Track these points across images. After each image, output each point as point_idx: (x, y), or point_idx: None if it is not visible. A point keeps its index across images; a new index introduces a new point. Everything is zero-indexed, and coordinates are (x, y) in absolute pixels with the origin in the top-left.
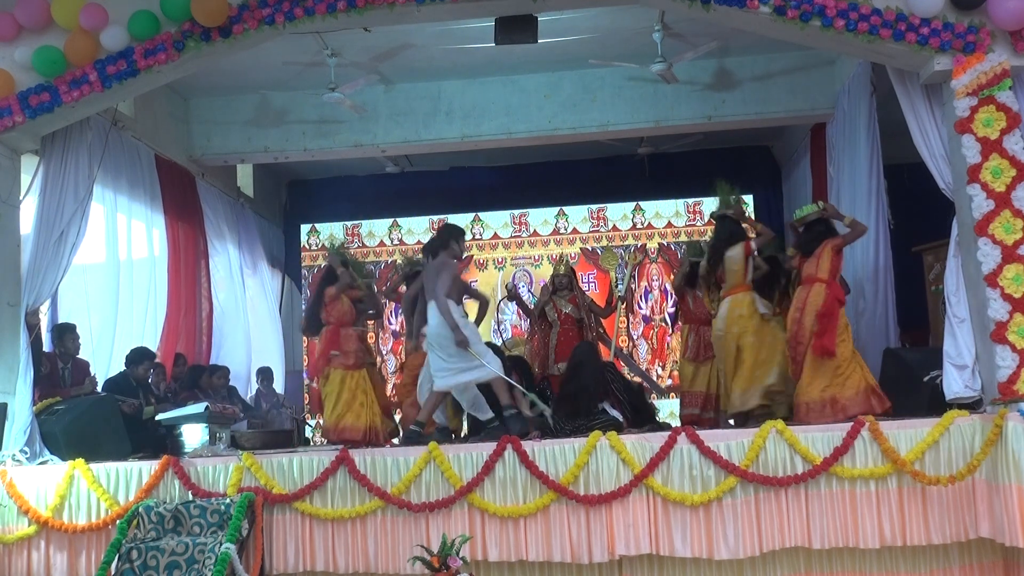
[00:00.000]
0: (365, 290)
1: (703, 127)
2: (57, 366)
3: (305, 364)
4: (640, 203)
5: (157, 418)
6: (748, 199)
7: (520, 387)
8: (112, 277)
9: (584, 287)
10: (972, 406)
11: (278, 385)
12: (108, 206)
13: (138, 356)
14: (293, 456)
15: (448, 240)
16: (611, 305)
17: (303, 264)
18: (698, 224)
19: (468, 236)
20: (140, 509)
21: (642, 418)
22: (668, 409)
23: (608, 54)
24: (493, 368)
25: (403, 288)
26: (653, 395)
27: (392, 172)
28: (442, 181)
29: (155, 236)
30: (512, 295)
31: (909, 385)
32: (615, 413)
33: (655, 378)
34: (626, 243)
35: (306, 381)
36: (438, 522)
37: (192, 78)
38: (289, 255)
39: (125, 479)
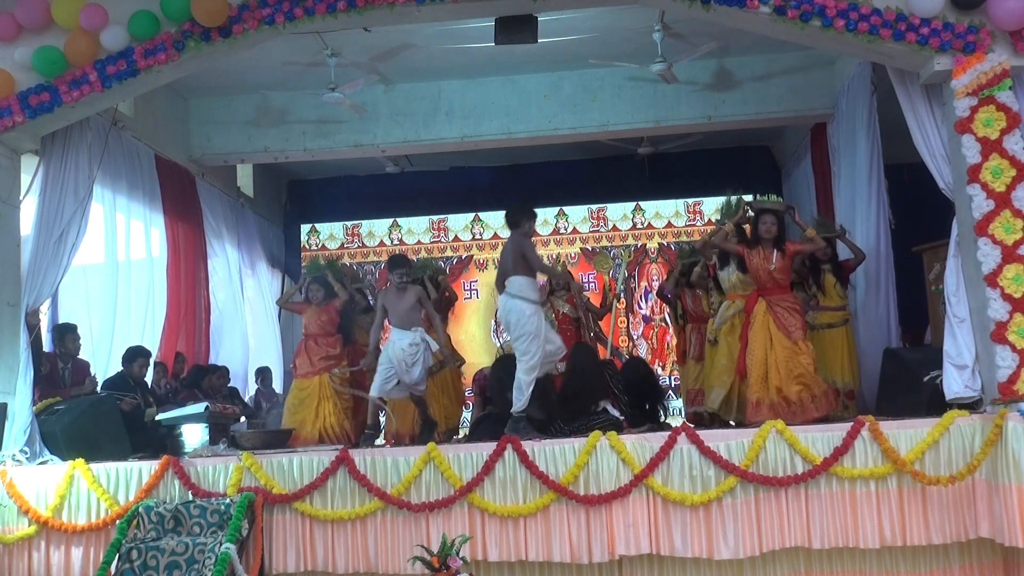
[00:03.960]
0: (345, 295)
1: (703, 127)
2: (57, 366)
3: None
4: (640, 203)
5: (157, 418)
6: (748, 199)
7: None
8: (111, 277)
9: (583, 287)
10: (972, 406)
11: (277, 385)
12: (108, 206)
13: (132, 354)
14: (293, 456)
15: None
16: (606, 305)
17: (303, 264)
18: (698, 224)
19: (468, 236)
20: (140, 509)
21: (644, 416)
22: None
23: (608, 54)
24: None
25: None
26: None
27: (392, 172)
28: (442, 181)
29: (155, 236)
30: None
31: (909, 385)
32: (615, 412)
33: None
34: (626, 243)
35: None
36: (438, 522)
37: (192, 78)
38: (289, 255)
39: (125, 479)
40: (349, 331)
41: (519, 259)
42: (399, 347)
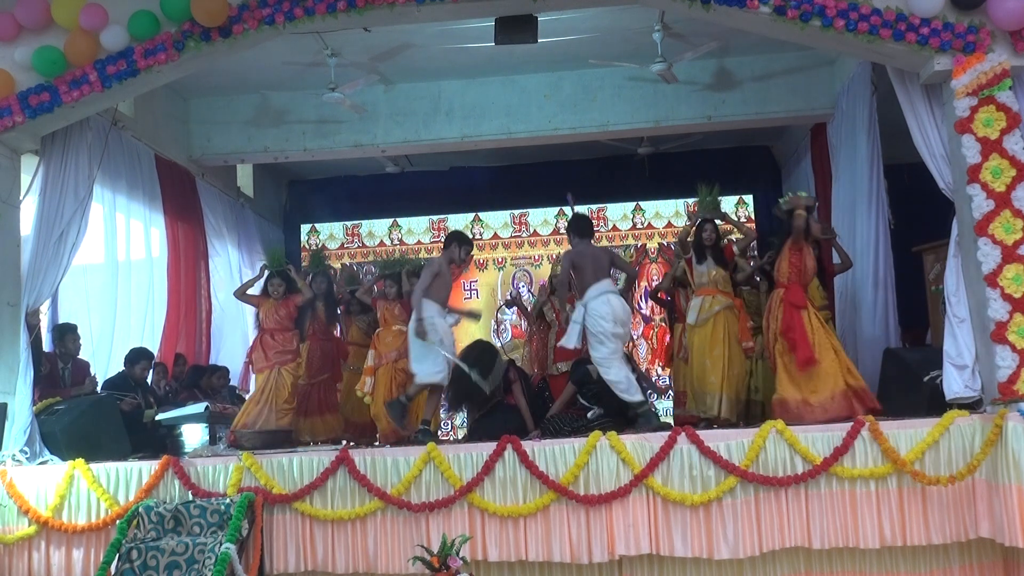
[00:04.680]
0: (309, 293)
1: (703, 127)
2: (57, 366)
3: None
4: (640, 203)
5: (157, 418)
6: (748, 199)
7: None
8: (111, 277)
9: None
10: (972, 406)
11: None
12: (108, 206)
13: (135, 356)
14: (293, 456)
15: (450, 242)
16: None
17: (303, 264)
18: None
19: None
20: (140, 509)
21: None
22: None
23: (608, 54)
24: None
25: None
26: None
27: (392, 172)
28: (442, 181)
29: (155, 236)
30: (510, 303)
31: (909, 385)
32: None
33: (654, 378)
34: (626, 243)
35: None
36: (438, 522)
37: (192, 78)
38: (289, 255)
39: (125, 479)
40: (303, 327)
41: (610, 264)
42: (444, 325)
